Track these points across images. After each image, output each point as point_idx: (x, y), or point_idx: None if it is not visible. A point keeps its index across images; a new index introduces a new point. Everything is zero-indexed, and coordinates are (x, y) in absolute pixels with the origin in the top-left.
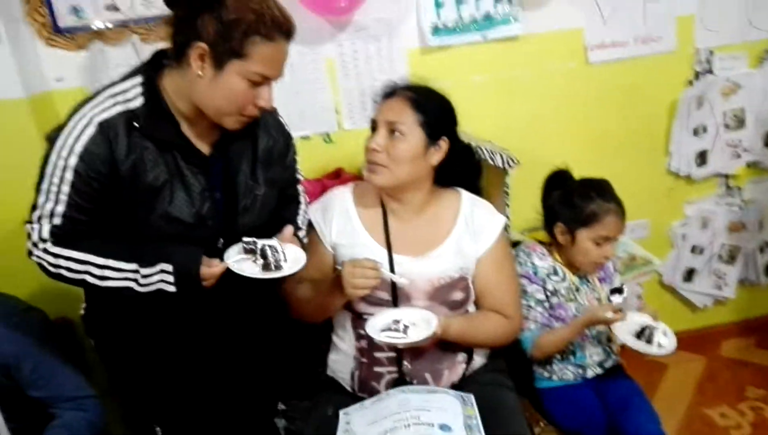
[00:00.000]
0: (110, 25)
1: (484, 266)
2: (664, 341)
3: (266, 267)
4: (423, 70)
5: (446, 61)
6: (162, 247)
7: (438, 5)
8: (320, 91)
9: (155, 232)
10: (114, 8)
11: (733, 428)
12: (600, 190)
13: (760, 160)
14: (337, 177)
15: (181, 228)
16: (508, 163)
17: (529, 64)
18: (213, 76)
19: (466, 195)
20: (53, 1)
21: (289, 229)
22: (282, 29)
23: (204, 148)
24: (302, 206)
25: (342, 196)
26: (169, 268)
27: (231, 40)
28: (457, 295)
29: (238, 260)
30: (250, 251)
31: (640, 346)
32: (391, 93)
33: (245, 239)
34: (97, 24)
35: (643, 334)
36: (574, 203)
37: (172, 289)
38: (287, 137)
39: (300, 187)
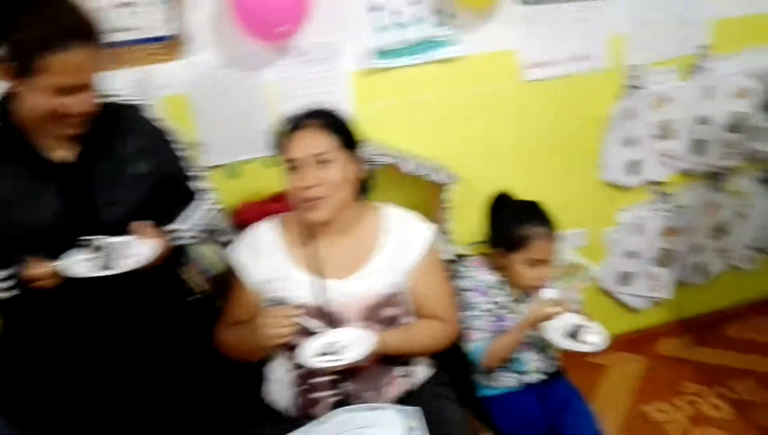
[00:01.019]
0: None
1: (416, 277)
2: (595, 339)
3: (98, 266)
4: (365, 92)
5: (388, 83)
6: (6, 253)
7: (380, 29)
8: (259, 116)
9: (15, 242)
10: None
11: (669, 422)
12: (529, 213)
13: (690, 167)
14: (277, 200)
15: (31, 234)
16: (448, 179)
17: (467, 85)
18: (23, 92)
19: (388, 208)
20: None
21: (136, 225)
22: (65, 38)
23: (66, 155)
24: (201, 204)
25: (265, 231)
26: (5, 274)
27: (20, 59)
28: (392, 311)
29: (77, 261)
30: (87, 248)
31: (569, 344)
32: (295, 127)
33: (81, 238)
34: None
35: (574, 333)
36: (505, 228)
37: (14, 292)
38: (160, 133)
39: (201, 184)
